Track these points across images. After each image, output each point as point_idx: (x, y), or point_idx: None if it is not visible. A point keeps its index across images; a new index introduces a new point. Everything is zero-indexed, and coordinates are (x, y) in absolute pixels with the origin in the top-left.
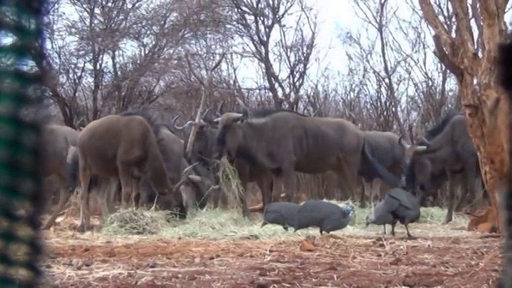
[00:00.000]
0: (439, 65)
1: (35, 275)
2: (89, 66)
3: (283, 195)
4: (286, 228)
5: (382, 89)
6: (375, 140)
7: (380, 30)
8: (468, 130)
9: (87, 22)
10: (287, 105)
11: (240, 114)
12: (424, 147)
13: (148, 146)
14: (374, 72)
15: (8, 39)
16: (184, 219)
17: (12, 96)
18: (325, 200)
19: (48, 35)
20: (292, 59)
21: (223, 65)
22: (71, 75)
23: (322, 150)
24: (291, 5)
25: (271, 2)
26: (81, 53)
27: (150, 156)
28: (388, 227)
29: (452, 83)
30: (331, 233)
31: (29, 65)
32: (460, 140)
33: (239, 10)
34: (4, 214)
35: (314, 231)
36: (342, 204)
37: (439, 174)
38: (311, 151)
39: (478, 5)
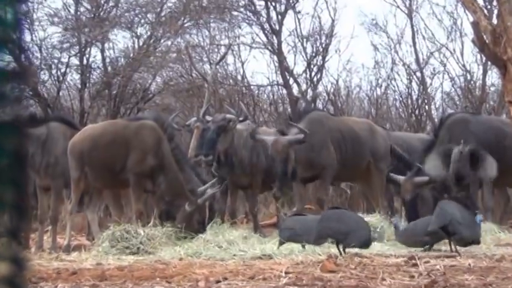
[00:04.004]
0: (478, 56)
1: None
2: (75, 61)
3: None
4: (303, 246)
5: (414, 84)
6: (407, 142)
7: (410, 16)
8: None
9: (72, 10)
10: (303, 104)
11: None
12: (425, 178)
13: (162, 156)
14: (404, 64)
15: None
16: (201, 233)
17: None
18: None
19: (27, 26)
20: (309, 50)
21: (230, 58)
22: (54, 72)
23: (358, 156)
24: None
25: None
26: (65, 45)
27: (164, 166)
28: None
29: (494, 77)
30: (356, 251)
31: (6, 60)
32: (458, 143)
33: None
34: None
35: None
36: (368, 218)
37: (442, 192)
38: (348, 157)
39: None
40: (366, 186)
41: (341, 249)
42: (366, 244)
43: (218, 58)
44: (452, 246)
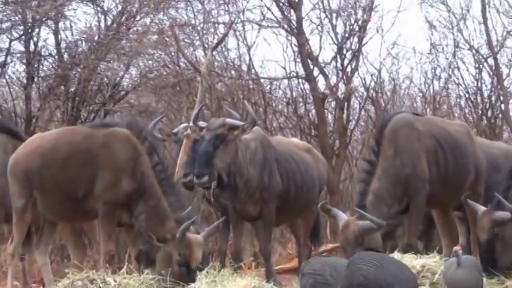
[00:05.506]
0: None
1: None
2: (18, 46)
3: (330, 246)
4: None
5: (484, 74)
6: (483, 152)
7: None
8: None
9: None
10: (333, 103)
11: None
12: (508, 215)
13: (141, 176)
14: (470, 48)
15: None
16: (191, 283)
17: None
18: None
19: None
20: (340, 29)
21: (231, 41)
22: None
23: (462, 171)
24: None
25: None
26: (5, 26)
27: (144, 190)
28: None
29: None
30: None
31: None
32: None
33: None
34: None
35: None
36: (423, 260)
37: None
38: (450, 172)
39: None
40: (445, 216)
41: None
42: None
43: (215, 41)
44: None
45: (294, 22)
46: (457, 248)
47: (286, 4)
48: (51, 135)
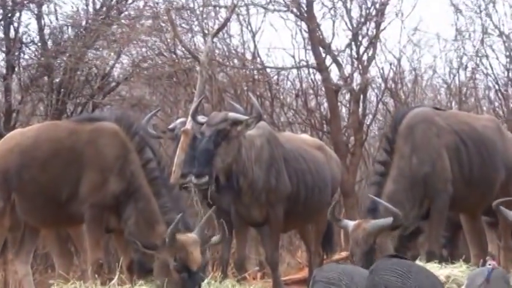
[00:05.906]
0: None
1: None
2: None
3: (344, 254)
4: None
5: None
6: None
7: None
8: None
9: None
10: (348, 95)
11: None
12: None
13: (130, 176)
14: (501, 34)
15: None
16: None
17: None
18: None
19: None
20: (355, 14)
21: (234, 27)
22: None
23: (488, 171)
24: None
25: None
26: None
27: (134, 192)
28: None
29: None
30: None
31: None
32: None
33: None
34: None
35: None
36: (448, 270)
37: None
38: (475, 172)
39: None
40: (473, 221)
41: None
42: None
43: (216, 27)
44: None
45: (304, 5)
46: (493, 262)
47: None
48: (32, 131)
